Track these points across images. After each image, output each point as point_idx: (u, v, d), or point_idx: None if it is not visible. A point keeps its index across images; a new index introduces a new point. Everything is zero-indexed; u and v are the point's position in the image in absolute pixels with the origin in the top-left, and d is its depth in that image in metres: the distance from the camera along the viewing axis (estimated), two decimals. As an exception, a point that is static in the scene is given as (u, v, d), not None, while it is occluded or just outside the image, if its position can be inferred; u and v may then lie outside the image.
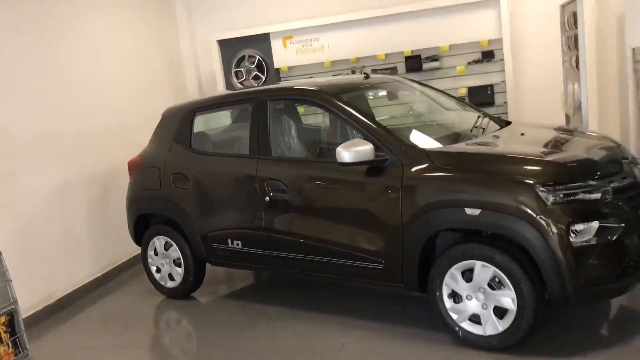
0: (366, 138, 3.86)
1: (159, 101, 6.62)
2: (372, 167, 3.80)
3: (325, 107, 4.24)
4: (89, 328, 4.86)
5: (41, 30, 5.27)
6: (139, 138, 5.71)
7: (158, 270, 5.15)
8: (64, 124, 5.44)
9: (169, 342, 4.58)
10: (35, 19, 5.21)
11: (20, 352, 4.20)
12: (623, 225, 3.32)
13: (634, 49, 4.86)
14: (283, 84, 5.82)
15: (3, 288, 4.19)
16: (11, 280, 4.26)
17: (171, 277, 5.07)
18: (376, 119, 4.12)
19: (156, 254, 5.11)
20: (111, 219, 5.87)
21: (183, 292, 5.06)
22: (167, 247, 5.03)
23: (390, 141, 3.81)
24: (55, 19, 5.45)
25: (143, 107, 6.55)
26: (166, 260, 5.05)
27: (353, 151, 3.71)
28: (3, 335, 4.08)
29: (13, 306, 4.23)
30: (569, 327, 3.77)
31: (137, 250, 5.72)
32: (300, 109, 5.31)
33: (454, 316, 3.65)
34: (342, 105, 4.10)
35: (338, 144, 3.81)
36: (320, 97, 4.23)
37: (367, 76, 4.92)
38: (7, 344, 4.11)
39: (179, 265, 4.98)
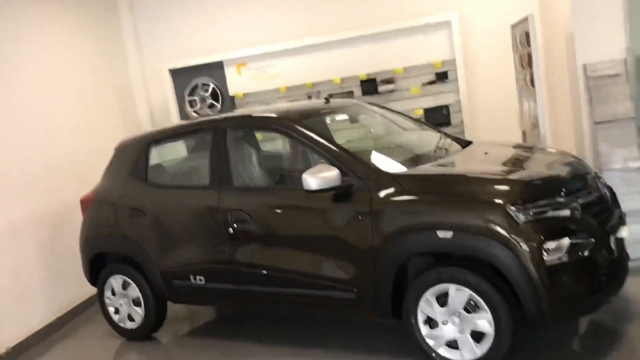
0: (331, 163, 3.78)
1: (110, 133, 6.44)
2: (339, 193, 3.71)
3: (287, 134, 4.16)
4: (43, 378, 4.58)
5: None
6: (89, 173, 5.49)
7: (117, 312, 4.93)
8: (7, 160, 5.17)
9: (132, 388, 4.36)
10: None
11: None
12: (593, 240, 3.33)
13: (584, 65, 4.97)
14: (241, 111, 5.72)
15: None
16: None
17: (131, 318, 4.86)
18: (339, 143, 4.04)
19: (114, 294, 4.89)
20: (63, 261, 5.61)
21: (144, 333, 4.85)
22: (125, 286, 4.82)
23: (356, 166, 3.74)
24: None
25: (93, 140, 6.33)
26: (125, 300, 4.84)
27: (319, 177, 3.62)
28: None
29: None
30: (547, 345, 3.76)
31: (92, 291, 5.47)
32: (258, 136, 5.20)
33: (431, 342, 3.57)
34: (305, 131, 4.02)
35: (301, 171, 3.73)
36: (281, 124, 4.15)
37: (327, 100, 4.87)
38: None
39: (139, 305, 4.77)
